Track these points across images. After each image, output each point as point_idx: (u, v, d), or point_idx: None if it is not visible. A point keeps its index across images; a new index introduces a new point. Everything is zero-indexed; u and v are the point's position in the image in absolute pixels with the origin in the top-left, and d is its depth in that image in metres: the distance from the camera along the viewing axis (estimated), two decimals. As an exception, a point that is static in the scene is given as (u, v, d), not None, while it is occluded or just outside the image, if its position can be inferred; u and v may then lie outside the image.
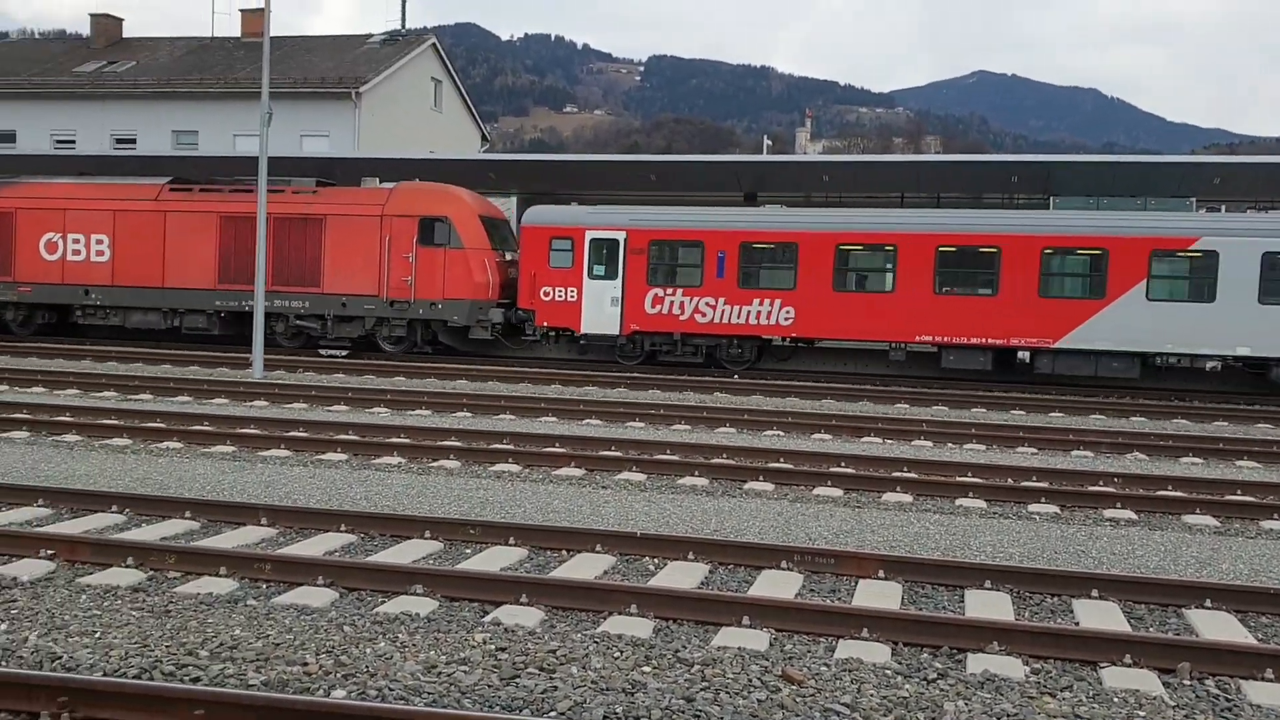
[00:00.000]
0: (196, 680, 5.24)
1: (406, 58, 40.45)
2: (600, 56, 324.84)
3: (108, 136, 39.04)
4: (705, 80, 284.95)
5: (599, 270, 24.04)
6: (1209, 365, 22.39)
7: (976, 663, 5.98)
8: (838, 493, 10.85)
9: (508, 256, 25.20)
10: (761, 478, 11.39)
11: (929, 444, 14.67)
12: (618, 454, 12.46)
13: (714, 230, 23.61)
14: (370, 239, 24.84)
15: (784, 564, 7.91)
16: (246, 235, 24.23)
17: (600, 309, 24.00)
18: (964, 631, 6.35)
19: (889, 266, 22.70)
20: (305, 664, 5.50)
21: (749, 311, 23.29)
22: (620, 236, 23.95)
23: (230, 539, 8.30)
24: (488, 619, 6.46)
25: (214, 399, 17.21)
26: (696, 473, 11.56)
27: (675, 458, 12.41)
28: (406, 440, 12.99)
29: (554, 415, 16.26)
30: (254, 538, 8.39)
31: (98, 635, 5.87)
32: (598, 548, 8.22)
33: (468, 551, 8.21)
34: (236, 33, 43.40)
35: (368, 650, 5.76)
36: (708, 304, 23.46)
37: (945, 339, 22.34)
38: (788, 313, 23.01)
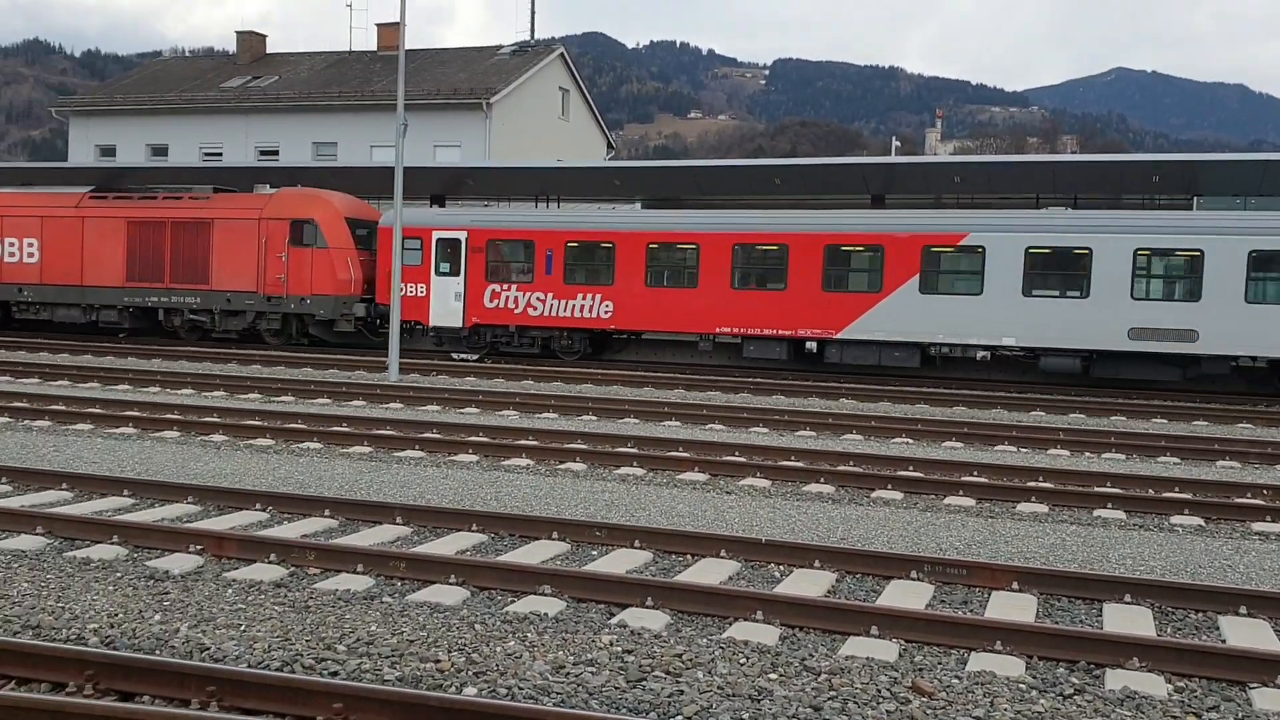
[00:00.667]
0: (335, 674, 5.42)
1: (535, 68, 41.12)
2: (725, 61, 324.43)
3: (252, 149, 40.72)
4: (831, 82, 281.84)
5: (444, 268, 26.00)
6: (979, 355, 23.61)
7: (1115, 679, 5.78)
8: (970, 502, 10.61)
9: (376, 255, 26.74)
10: (890, 486, 11.21)
11: (1065, 453, 14.23)
12: (741, 459, 12.43)
13: (543, 230, 25.48)
14: (250, 240, 27.08)
15: (914, 574, 7.78)
16: (150, 238, 27.89)
17: (446, 304, 25.98)
18: (1103, 646, 6.14)
19: (693, 264, 24.20)
20: (438, 661, 5.64)
21: (574, 305, 25.05)
22: (462, 236, 25.89)
23: (367, 537, 8.56)
24: (614, 621, 6.52)
25: (352, 401, 17.77)
26: (822, 479, 11.44)
27: (800, 464, 12.31)
28: (534, 443, 13.19)
29: (677, 420, 16.30)
30: (389, 536, 8.63)
31: (243, 628, 6.12)
32: (722, 553, 8.21)
33: (594, 553, 8.30)
34: (373, 47, 44.79)
35: (498, 649, 5.87)
36: (539, 299, 25.24)
37: (744, 331, 23.84)
38: (607, 306, 24.71)
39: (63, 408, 14.90)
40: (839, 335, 23.08)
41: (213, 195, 28.25)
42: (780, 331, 23.49)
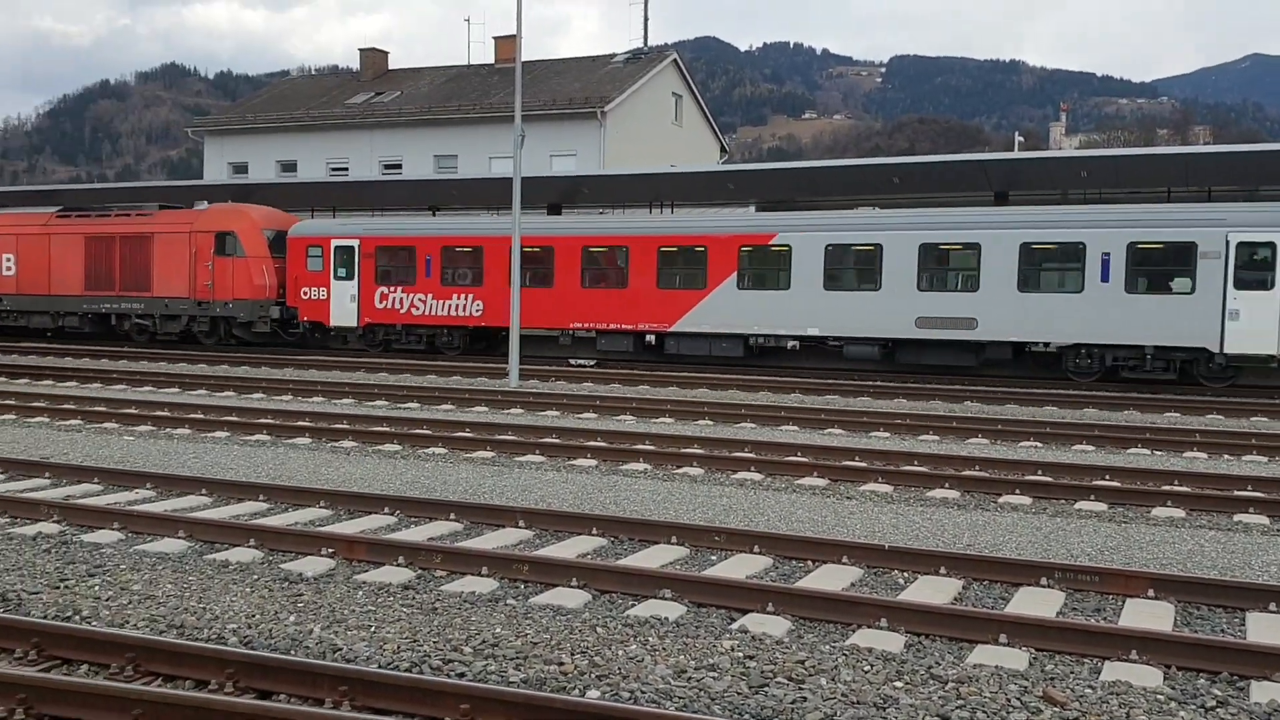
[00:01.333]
0: (462, 675, 5.53)
1: (648, 75, 41.34)
2: (840, 60, 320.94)
3: (376, 163, 41.87)
4: (950, 78, 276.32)
5: (342, 273, 28.93)
6: (789, 345, 24.92)
7: (1262, 692, 5.53)
8: (1101, 507, 10.27)
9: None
10: (1018, 491, 10.93)
11: (1203, 455, 13.66)
12: (862, 464, 12.27)
13: (422, 237, 28.28)
14: (184, 252, 29.89)
15: (1043, 581, 7.56)
16: (103, 251, 31.12)
17: (343, 305, 28.98)
18: (1247, 657, 5.87)
19: (549, 266, 26.65)
20: (561, 663, 5.71)
21: (451, 305, 27.86)
22: (355, 244, 28.84)
23: (490, 540, 8.71)
24: (735, 626, 6.50)
25: (474, 407, 18.12)
26: (947, 484, 11.21)
27: (924, 469, 12.09)
28: (651, 447, 13.25)
29: (795, 424, 16.17)
30: (512, 539, 8.77)
31: (373, 629, 6.29)
32: (844, 559, 8.12)
33: (713, 558, 8.29)
34: (491, 59, 45.64)
35: (619, 652, 5.92)
36: (420, 299, 28.12)
37: (595, 325, 26.29)
38: (478, 306, 27.51)
39: (201, 416, 15.54)
40: (673, 328, 25.42)
41: (156, 212, 31.08)
42: (624, 325, 25.91)
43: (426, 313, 28.05)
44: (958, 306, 22.76)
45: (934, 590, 7.42)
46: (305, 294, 29.22)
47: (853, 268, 23.83)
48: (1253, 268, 20.75)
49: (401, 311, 28.32)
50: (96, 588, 7.04)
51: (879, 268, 23.38)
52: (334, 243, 29.00)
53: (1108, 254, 21.73)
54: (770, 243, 24.47)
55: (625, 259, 25.86)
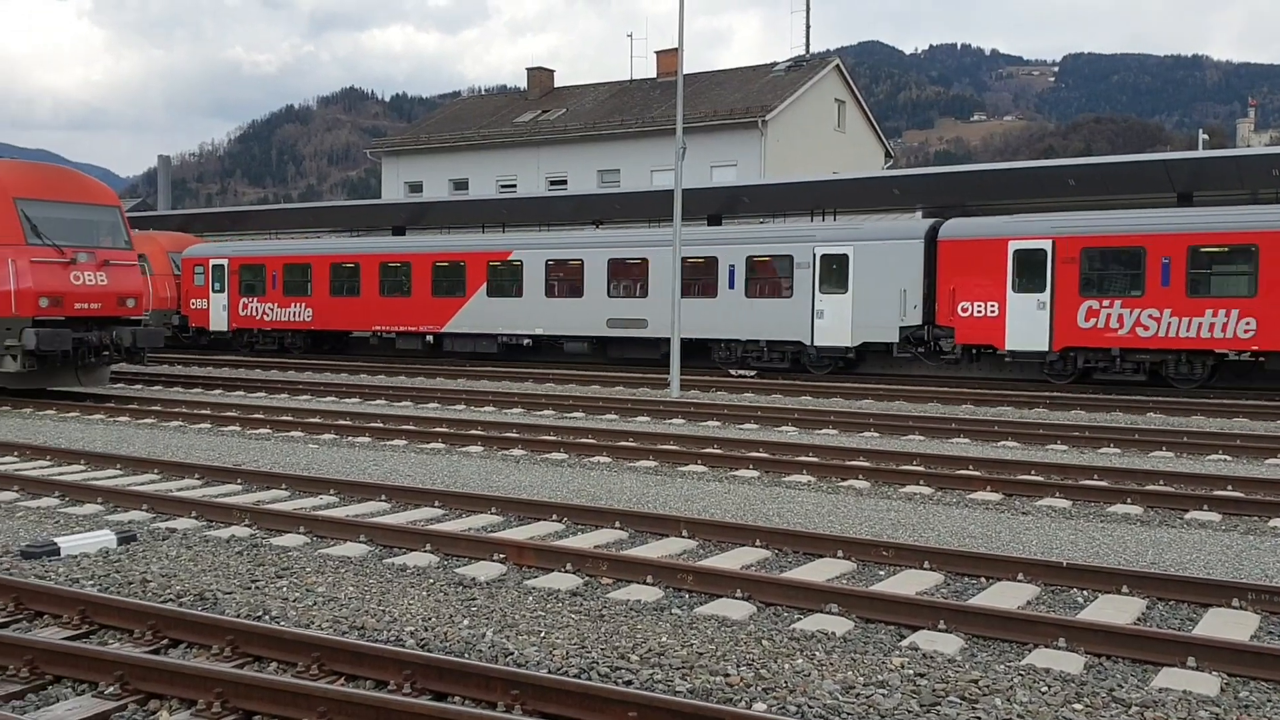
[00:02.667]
0: (629, 683, 5.59)
1: (810, 82, 41.03)
2: (1010, 60, 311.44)
3: (543, 179, 42.86)
4: (1128, 75, 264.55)
5: (217, 286, 34.60)
6: (524, 342, 30.19)
7: None
8: (1300, 526, 9.63)
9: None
10: (1205, 506, 10.36)
11: None
12: (1039, 478, 11.84)
13: (270, 256, 34.08)
14: None
15: (1235, 602, 7.14)
16: None
17: (219, 314, 34.60)
18: None
19: (356, 279, 32.24)
20: (727, 675, 5.71)
21: (290, 312, 33.50)
22: (225, 262, 34.62)
23: (655, 549, 8.78)
24: (905, 643, 6.37)
25: (637, 417, 18.31)
26: (1129, 500, 10.72)
27: (1103, 483, 11.59)
28: (815, 459, 13.10)
29: (966, 436, 15.73)
30: (676, 549, 8.82)
31: (543, 635, 6.42)
32: (1019, 576, 7.85)
33: (881, 573, 8.14)
34: (653, 74, 46.12)
35: (786, 666, 5.88)
36: (270, 308, 33.82)
37: (391, 328, 31.89)
38: (309, 312, 32.93)
39: (380, 425, 16.19)
40: (444, 329, 30.86)
41: None
42: (410, 327, 31.51)
43: (275, 319, 33.75)
44: (634, 310, 27.87)
45: (1115, 610, 7.10)
46: (193, 304, 35.00)
47: (565, 279, 28.92)
48: (832, 275, 25.31)
49: (258, 318, 34.05)
50: (284, 589, 7.42)
51: (582, 279, 28.62)
52: (211, 261, 34.76)
53: (733, 265, 26.54)
54: (508, 259, 29.79)
55: (409, 273, 31.44)
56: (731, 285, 26.44)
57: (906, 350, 25.29)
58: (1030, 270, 22.91)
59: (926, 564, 8.19)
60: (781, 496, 11.18)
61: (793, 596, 7.19)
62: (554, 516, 9.91)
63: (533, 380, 25.09)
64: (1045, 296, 22.73)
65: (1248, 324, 20.72)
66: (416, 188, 46.40)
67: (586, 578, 7.84)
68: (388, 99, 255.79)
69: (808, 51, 45.13)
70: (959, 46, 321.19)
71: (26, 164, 22.06)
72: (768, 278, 26.15)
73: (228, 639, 6.04)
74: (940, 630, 6.58)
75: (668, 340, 23.82)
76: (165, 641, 6.23)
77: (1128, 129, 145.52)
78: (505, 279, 29.80)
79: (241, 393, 22.59)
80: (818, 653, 6.11)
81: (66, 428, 16.60)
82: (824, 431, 16.54)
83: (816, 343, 25.40)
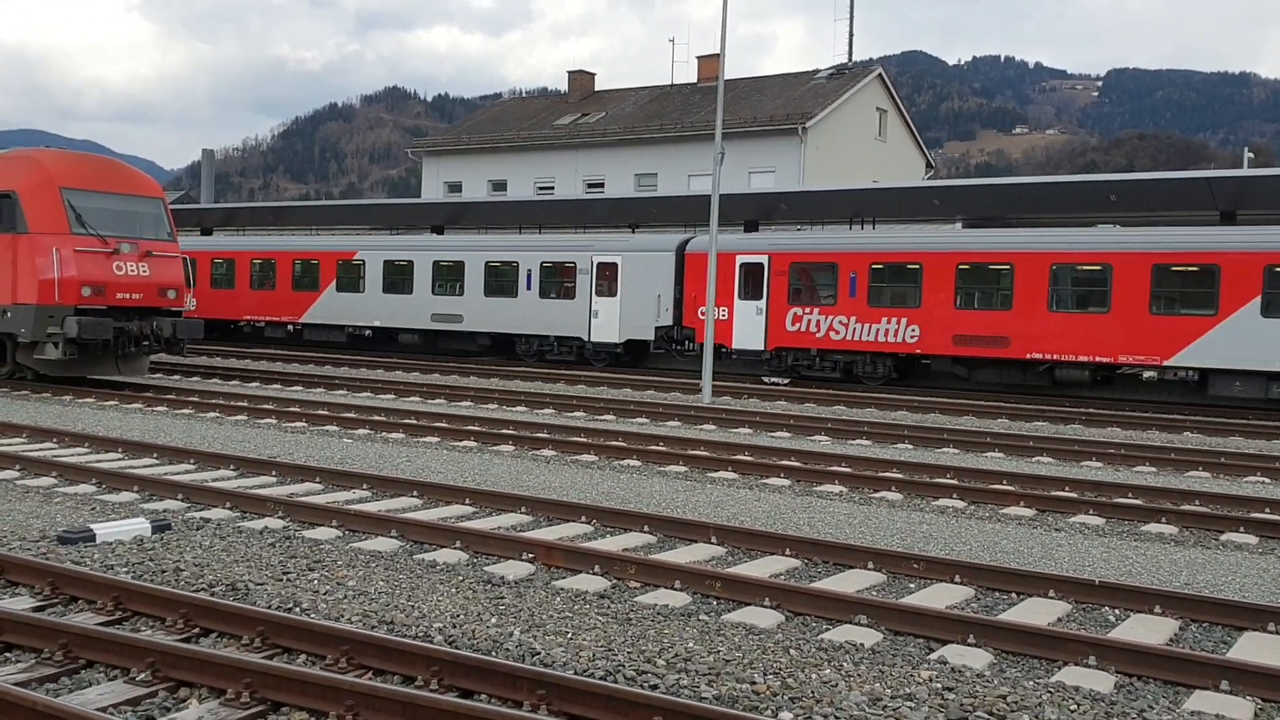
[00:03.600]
0: (654, 688, 5.59)
1: (852, 90, 40.89)
2: (1053, 74, 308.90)
3: (580, 182, 42.95)
4: (1173, 91, 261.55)
5: None
6: (366, 333, 34.13)
7: None
8: (1340, 551, 9.47)
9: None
10: (1243, 529, 10.21)
11: None
12: (1072, 495, 11.73)
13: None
14: None
15: (1271, 626, 7.04)
16: None
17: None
18: None
19: (229, 273, 36.08)
20: (754, 683, 5.69)
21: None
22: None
23: (683, 554, 8.77)
24: (933, 656, 6.33)
25: (668, 421, 18.30)
26: (1163, 519, 10.59)
27: (1138, 502, 11.46)
28: (847, 469, 13.05)
29: (1001, 451, 15.60)
30: (704, 555, 8.81)
31: (569, 635, 6.43)
32: (1050, 593, 7.78)
33: (911, 586, 8.09)
34: (694, 79, 46.11)
35: (813, 675, 5.85)
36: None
37: (259, 318, 35.63)
38: (192, 302, 34.03)
39: (414, 421, 16.28)
40: (301, 320, 34.58)
41: None
42: (275, 318, 35.19)
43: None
44: (452, 306, 31.48)
45: (1148, 630, 7.02)
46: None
47: (398, 277, 32.51)
48: (605, 281, 29.06)
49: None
50: (315, 581, 7.47)
51: (412, 278, 32.22)
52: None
53: (530, 270, 30.20)
54: (353, 258, 33.36)
55: (273, 269, 34.98)
56: (529, 287, 30.32)
57: (661, 347, 29.10)
58: (752, 281, 26.83)
59: (957, 578, 8.13)
60: (813, 506, 11.13)
61: (822, 607, 7.16)
62: (583, 518, 9.92)
63: (564, 382, 25.14)
64: (762, 304, 26.62)
65: (913, 330, 24.60)
66: (456, 188, 46.66)
67: (614, 580, 7.85)
68: (430, 99, 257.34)
69: (850, 60, 44.99)
70: (1002, 58, 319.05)
71: (72, 154, 22.34)
72: (557, 281, 29.92)
73: (258, 630, 6.10)
74: (970, 645, 6.53)
75: (482, 334, 31.10)
76: (196, 630, 6.30)
77: (1171, 145, 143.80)
78: (351, 276, 33.50)
79: (278, 386, 22.79)
80: (845, 663, 6.08)
81: (105, 416, 16.81)
82: (858, 442, 16.46)
83: (592, 339, 29.31)
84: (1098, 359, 22.69)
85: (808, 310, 25.99)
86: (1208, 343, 21.37)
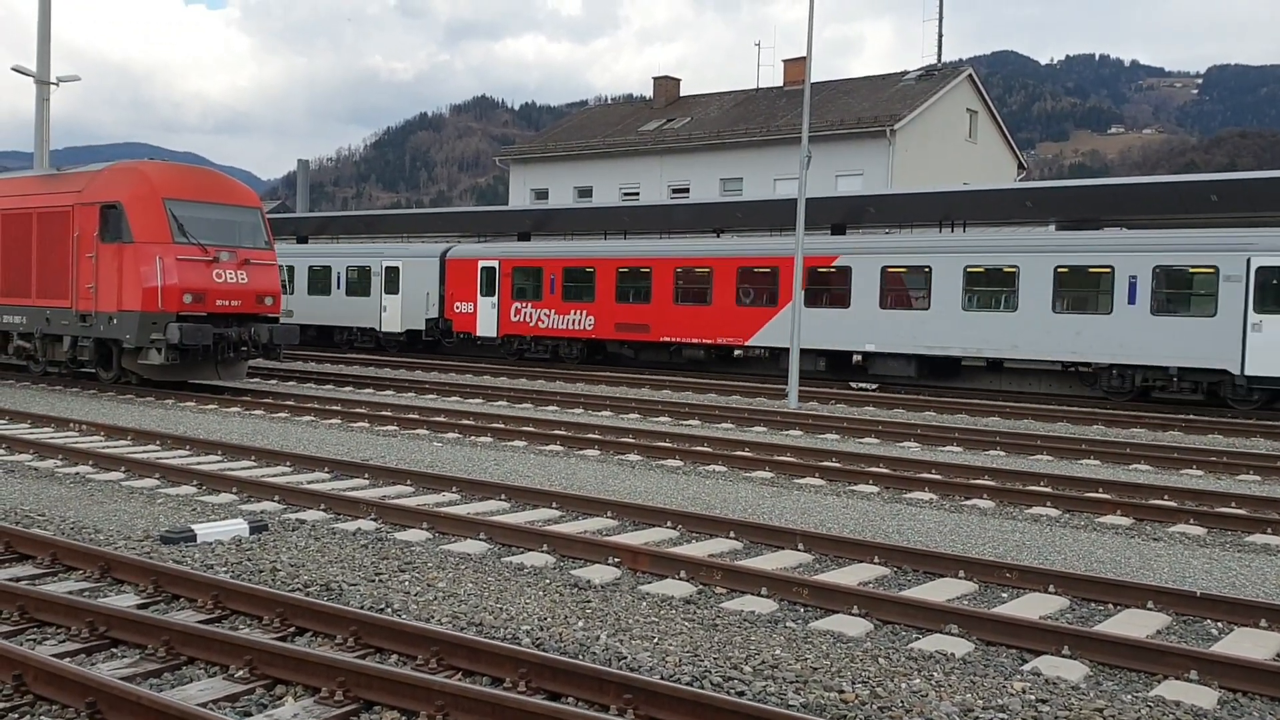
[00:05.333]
0: (741, 694, 5.57)
1: (941, 92, 40.29)
2: (1151, 72, 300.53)
3: (665, 187, 43.02)
4: (1277, 88, 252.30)
5: None
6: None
7: None
8: None
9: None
10: (1355, 541, 9.80)
11: None
12: (1172, 504, 11.39)
13: None
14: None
15: (1387, 644, 6.75)
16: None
17: None
18: None
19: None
20: (842, 691, 5.63)
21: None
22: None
23: (770, 561, 8.72)
24: (1026, 667, 6.20)
25: (753, 427, 18.22)
26: (1269, 530, 10.23)
27: (1242, 511, 11.08)
28: (938, 476, 12.84)
29: (1096, 458, 15.22)
30: (791, 562, 8.74)
31: (655, 640, 6.44)
32: (1149, 604, 7.56)
33: (1004, 595, 7.93)
34: (779, 82, 45.90)
35: (902, 685, 5.77)
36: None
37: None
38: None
39: (501, 426, 16.47)
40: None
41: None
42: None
43: None
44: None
45: (1253, 644, 6.78)
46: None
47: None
48: (393, 282, 35.61)
49: None
50: (406, 583, 7.60)
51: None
52: None
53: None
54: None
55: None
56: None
57: (431, 335, 34.96)
58: (489, 281, 33.27)
59: (1051, 588, 7.95)
60: (902, 513, 10.98)
61: (911, 615, 7.06)
62: (668, 523, 9.93)
63: (649, 387, 25.18)
64: (495, 299, 33.16)
65: (591, 320, 31.16)
66: (542, 195, 47.09)
67: (700, 586, 7.84)
68: (517, 107, 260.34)
69: (939, 61, 44.34)
70: (1097, 57, 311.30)
71: (175, 166, 23.07)
72: (359, 282, 36.65)
73: (351, 629, 6.22)
74: (1064, 656, 6.38)
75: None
76: (292, 629, 6.45)
77: (1275, 144, 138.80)
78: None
79: (370, 390, 23.23)
80: (936, 673, 5.99)
81: (205, 419, 17.32)
82: (948, 449, 16.19)
83: (383, 329, 35.98)
84: (702, 340, 29.36)
85: (524, 305, 32.61)
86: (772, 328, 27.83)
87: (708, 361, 30.51)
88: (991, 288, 24.88)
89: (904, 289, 26.16)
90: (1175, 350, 22.33)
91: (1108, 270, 23.19)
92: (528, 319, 32.53)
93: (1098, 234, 24.94)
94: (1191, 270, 22.39)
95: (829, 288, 27.11)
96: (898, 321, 25.95)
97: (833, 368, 28.25)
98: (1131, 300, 22.88)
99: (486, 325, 33.49)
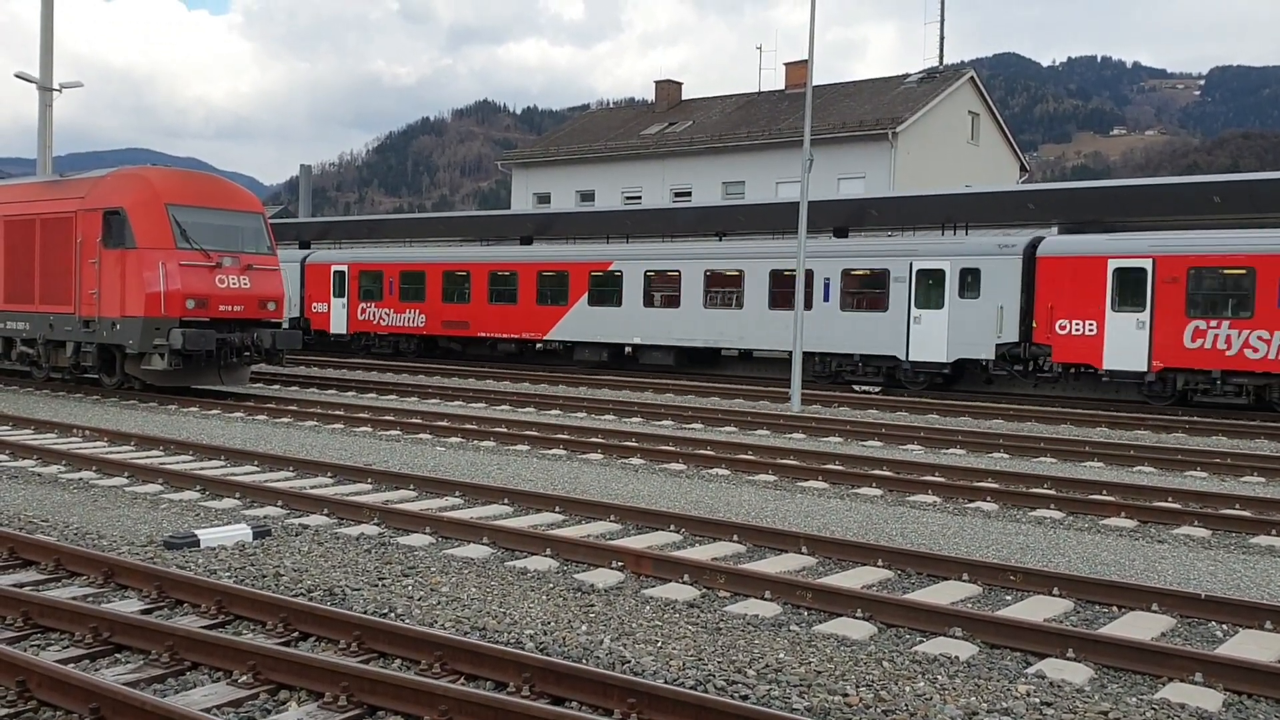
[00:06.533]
0: (745, 698, 5.56)
1: (943, 94, 40.29)
2: (1153, 73, 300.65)
3: (667, 191, 43.02)
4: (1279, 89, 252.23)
5: None
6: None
7: None
8: None
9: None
10: (1360, 542, 9.78)
11: None
12: (1176, 506, 11.37)
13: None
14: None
15: (1393, 646, 6.73)
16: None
17: None
18: None
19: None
20: (846, 694, 5.63)
21: None
22: None
23: (773, 564, 8.70)
24: (1031, 670, 6.18)
25: (756, 430, 18.21)
26: (1274, 531, 10.20)
27: (1246, 513, 11.06)
28: (941, 479, 12.83)
29: (1100, 460, 15.21)
30: (794, 565, 8.73)
31: (659, 645, 6.43)
32: (1154, 607, 7.55)
33: (1008, 598, 7.92)
34: (781, 86, 45.92)
35: (907, 688, 5.76)
36: None
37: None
38: None
39: (504, 430, 16.47)
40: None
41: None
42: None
43: None
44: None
45: (1258, 646, 6.76)
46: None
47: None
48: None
49: None
50: (409, 587, 7.60)
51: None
52: None
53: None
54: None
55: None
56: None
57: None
58: (340, 284, 36.85)
59: (1056, 590, 7.94)
60: (905, 516, 10.97)
61: (915, 618, 7.05)
62: (672, 527, 9.92)
63: (652, 390, 25.17)
64: (345, 300, 36.64)
65: (423, 318, 34.49)
66: (544, 199, 47.11)
67: (704, 590, 7.83)
68: (519, 111, 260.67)
69: (941, 63, 44.34)
70: (1099, 58, 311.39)
71: (177, 171, 23.12)
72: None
73: (354, 634, 6.22)
74: (1069, 659, 6.37)
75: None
76: (295, 634, 6.44)
77: (1278, 145, 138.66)
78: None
79: (373, 395, 23.24)
80: (940, 677, 5.98)
81: (208, 424, 17.33)
82: (951, 451, 16.18)
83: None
84: (511, 335, 33.02)
85: (369, 305, 36.17)
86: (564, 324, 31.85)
87: (518, 354, 34.62)
88: (725, 289, 28.79)
89: (662, 290, 29.97)
90: (859, 341, 26.51)
91: (810, 273, 26.02)
92: (372, 317, 36.41)
93: (817, 243, 27.65)
94: (870, 273, 26.53)
95: (605, 289, 31.01)
96: (658, 318, 29.97)
97: (613, 358, 31.77)
98: (826, 299, 26.97)
99: (339, 323, 37.11)
